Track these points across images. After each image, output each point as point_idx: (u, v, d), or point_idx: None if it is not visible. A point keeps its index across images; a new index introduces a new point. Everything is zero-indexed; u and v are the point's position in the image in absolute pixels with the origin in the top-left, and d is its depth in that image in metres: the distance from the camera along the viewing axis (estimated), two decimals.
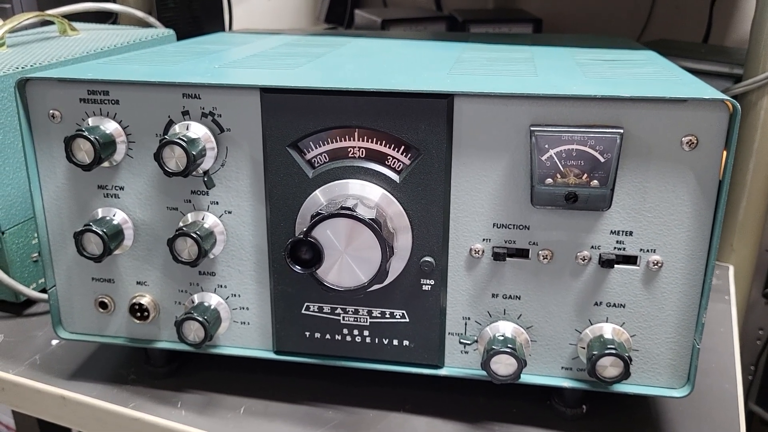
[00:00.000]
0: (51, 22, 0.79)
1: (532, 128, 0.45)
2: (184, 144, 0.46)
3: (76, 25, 0.82)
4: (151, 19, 0.85)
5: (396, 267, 0.49)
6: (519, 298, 0.49)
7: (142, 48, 0.76)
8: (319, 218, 0.46)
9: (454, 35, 0.85)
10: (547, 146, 0.45)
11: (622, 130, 0.44)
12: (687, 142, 0.44)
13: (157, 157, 0.47)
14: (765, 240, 0.93)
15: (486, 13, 1.16)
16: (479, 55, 0.63)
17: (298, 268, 0.46)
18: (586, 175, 0.45)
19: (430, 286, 0.50)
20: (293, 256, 0.47)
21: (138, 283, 0.54)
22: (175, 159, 0.47)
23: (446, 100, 0.46)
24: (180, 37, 0.83)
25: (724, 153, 0.44)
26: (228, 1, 1.16)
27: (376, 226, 0.45)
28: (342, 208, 0.46)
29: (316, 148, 0.49)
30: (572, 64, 0.57)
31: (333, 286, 0.47)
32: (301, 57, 0.60)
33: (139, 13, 0.83)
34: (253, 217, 0.51)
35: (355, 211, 0.45)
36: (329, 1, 1.31)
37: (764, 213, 0.76)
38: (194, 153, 0.47)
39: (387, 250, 0.46)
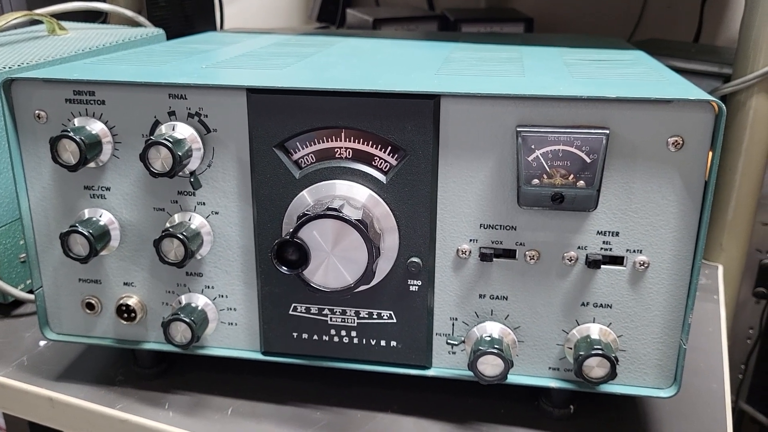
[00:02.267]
0: (40, 22, 0.79)
1: (518, 129, 0.45)
2: (169, 145, 0.46)
3: (66, 24, 0.82)
4: (141, 19, 0.84)
5: (383, 267, 0.49)
6: (506, 299, 0.49)
7: (131, 47, 0.76)
8: (305, 219, 0.45)
9: (444, 35, 0.85)
10: (533, 147, 0.45)
11: (608, 131, 0.44)
12: (673, 143, 0.44)
13: (143, 157, 0.47)
14: (754, 239, 0.93)
15: (477, 12, 1.16)
16: (468, 55, 0.63)
17: (284, 269, 0.46)
18: (572, 176, 0.45)
19: (417, 287, 0.50)
20: (280, 257, 0.47)
21: (125, 284, 0.54)
22: (160, 160, 0.47)
23: (432, 100, 0.46)
24: (171, 36, 0.82)
25: (710, 154, 0.44)
26: (220, 1, 1.16)
27: (362, 227, 0.45)
28: (328, 209, 0.45)
29: (303, 148, 0.49)
30: (560, 64, 0.57)
31: (319, 287, 0.47)
32: (290, 57, 0.60)
33: (129, 13, 0.83)
34: (240, 217, 0.51)
35: (341, 212, 0.45)
36: (321, 0, 1.30)
37: (753, 212, 0.76)
38: (180, 154, 0.46)
39: (373, 251, 0.46)
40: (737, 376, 1.02)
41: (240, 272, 0.52)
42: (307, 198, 0.49)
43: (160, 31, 0.83)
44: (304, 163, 0.49)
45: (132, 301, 0.53)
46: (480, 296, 0.50)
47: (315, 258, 0.46)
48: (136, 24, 0.87)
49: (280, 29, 0.97)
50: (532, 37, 0.80)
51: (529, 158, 0.45)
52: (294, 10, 1.45)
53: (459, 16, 1.08)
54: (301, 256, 0.46)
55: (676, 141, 0.44)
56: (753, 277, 0.98)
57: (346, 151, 0.48)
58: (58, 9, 0.78)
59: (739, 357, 1.02)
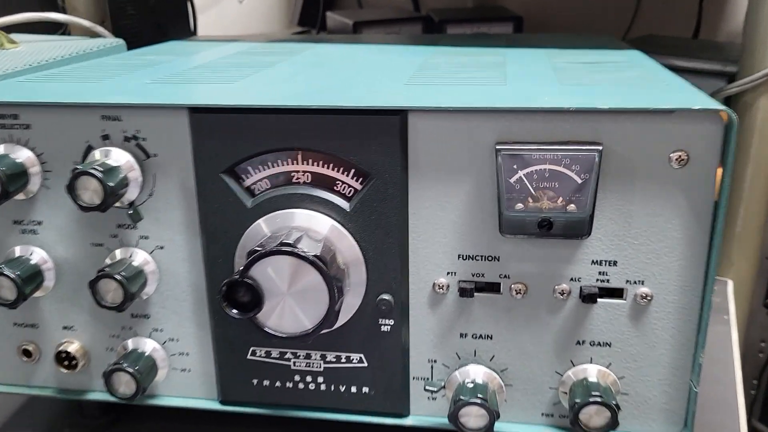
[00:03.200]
0: None
1: (497, 147, 0.39)
2: (99, 175, 0.40)
3: (19, 36, 0.76)
4: (99, 29, 0.79)
5: (350, 304, 0.44)
6: (491, 338, 0.44)
7: (85, 60, 0.70)
8: (256, 256, 0.40)
9: (426, 38, 0.79)
10: (515, 167, 0.39)
11: (601, 147, 0.38)
12: (676, 159, 0.38)
13: (70, 189, 0.41)
14: (765, 248, 0.87)
15: (464, 12, 1.10)
16: (446, 60, 0.57)
17: (234, 313, 0.40)
18: (561, 199, 0.39)
19: (389, 327, 0.44)
20: (229, 299, 0.41)
21: (65, 327, 0.48)
22: (90, 192, 0.41)
23: (398, 116, 0.40)
24: (144, 46, 0.76)
25: (720, 170, 0.39)
26: (192, 7, 1.10)
27: (321, 263, 0.39)
28: (282, 244, 0.40)
29: (255, 173, 0.43)
30: (547, 68, 0.51)
31: (275, 332, 0.41)
32: (248, 68, 0.55)
33: (86, 23, 0.77)
34: (188, 252, 0.45)
35: (296, 248, 0.39)
36: (302, 3, 1.25)
37: (764, 223, 0.70)
38: (112, 184, 0.41)
39: (335, 291, 0.40)
40: (749, 391, 0.96)
41: (191, 313, 0.46)
42: (263, 229, 0.43)
43: (120, 42, 0.77)
44: (258, 189, 0.43)
45: (72, 348, 0.48)
46: (461, 335, 0.44)
47: (270, 299, 0.40)
48: (96, 35, 0.81)
49: (254, 36, 0.91)
50: (520, 38, 0.74)
51: (511, 180, 0.39)
52: (275, 15, 1.40)
53: (444, 17, 1.02)
54: (254, 297, 0.41)
55: (680, 156, 0.38)
56: (764, 286, 0.92)
57: (304, 176, 0.43)
58: (6, 21, 0.72)
59: (751, 371, 0.96)
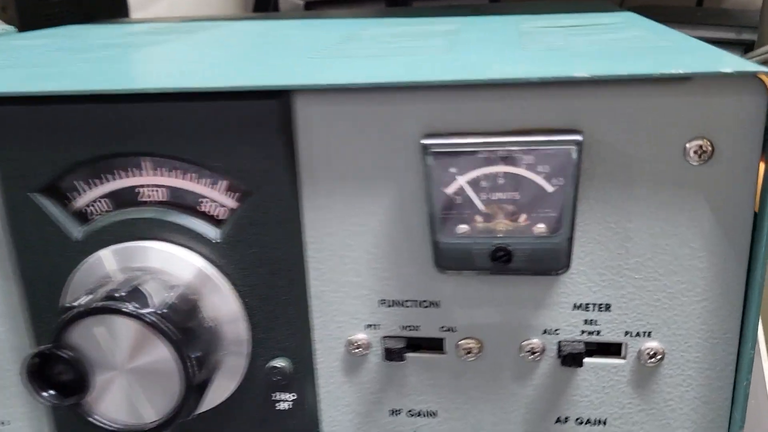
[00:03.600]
0: None
1: (424, 141, 0.26)
2: None
3: None
4: None
5: (231, 374, 0.31)
6: (434, 415, 0.31)
7: None
8: (68, 318, 0.26)
9: (375, 11, 0.66)
10: (453, 171, 0.26)
11: (580, 137, 0.25)
12: (695, 151, 0.25)
13: None
14: None
15: None
16: (385, 31, 0.44)
17: (47, 397, 0.27)
18: (524, 217, 0.26)
19: (290, 403, 0.31)
20: (42, 377, 0.28)
21: None
22: None
23: (277, 100, 0.27)
24: None
25: (762, 165, 0.26)
26: None
27: (165, 325, 0.26)
28: (107, 297, 0.27)
29: (86, 190, 0.30)
30: (512, 34, 0.38)
31: (109, 425, 0.28)
32: (122, 48, 0.41)
33: None
34: (4, 305, 0.32)
35: (126, 303, 0.26)
36: None
37: None
38: None
39: (190, 364, 0.27)
40: None
41: (17, 387, 0.33)
42: (102, 268, 0.30)
43: (9, 29, 0.64)
44: (92, 213, 0.30)
45: None
46: (392, 413, 0.31)
47: (102, 374, 0.27)
48: None
49: (184, 17, 0.78)
50: (491, 7, 0.61)
51: (448, 190, 0.26)
52: (231, 2, 1.27)
53: None
54: (77, 375, 0.27)
55: (701, 147, 0.25)
56: None
57: (155, 192, 0.30)
58: None
59: None
